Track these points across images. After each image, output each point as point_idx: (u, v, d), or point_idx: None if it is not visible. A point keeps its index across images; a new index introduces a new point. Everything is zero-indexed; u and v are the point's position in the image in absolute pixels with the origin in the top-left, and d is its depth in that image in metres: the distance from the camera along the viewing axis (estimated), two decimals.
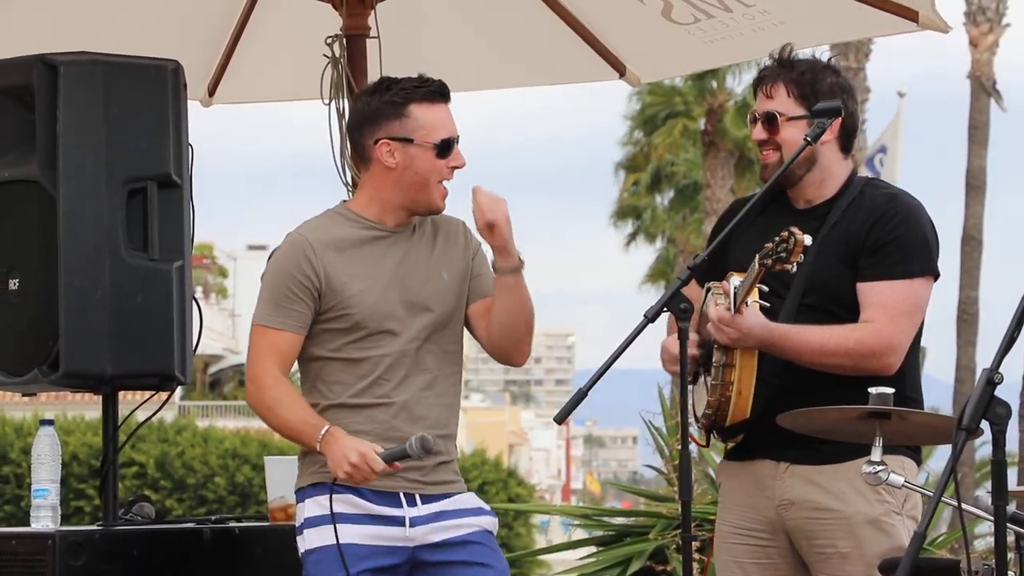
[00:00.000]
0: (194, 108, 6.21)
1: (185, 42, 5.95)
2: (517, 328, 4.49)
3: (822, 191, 4.59)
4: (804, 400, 4.32)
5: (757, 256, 4.29)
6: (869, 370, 4.40)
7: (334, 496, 4.39)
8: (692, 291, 4.51)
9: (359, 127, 4.52)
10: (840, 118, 4.55)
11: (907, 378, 4.51)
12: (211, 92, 6.33)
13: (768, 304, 4.43)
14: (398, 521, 4.42)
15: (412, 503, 4.44)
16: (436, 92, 4.48)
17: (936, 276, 4.56)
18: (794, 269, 4.28)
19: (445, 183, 4.50)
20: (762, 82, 4.63)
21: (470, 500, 4.54)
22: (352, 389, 4.46)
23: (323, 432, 4.36)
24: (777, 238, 4.23)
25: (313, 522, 4.42)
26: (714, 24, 5.68)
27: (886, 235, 4.49)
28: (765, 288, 4.40)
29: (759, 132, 4.60)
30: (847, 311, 4.49)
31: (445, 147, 4.47)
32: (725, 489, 4.70)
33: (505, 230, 4.40)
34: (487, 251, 4.54)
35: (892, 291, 4.46)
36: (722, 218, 4.71)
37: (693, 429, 4.60)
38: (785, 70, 4.59)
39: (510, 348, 4.53)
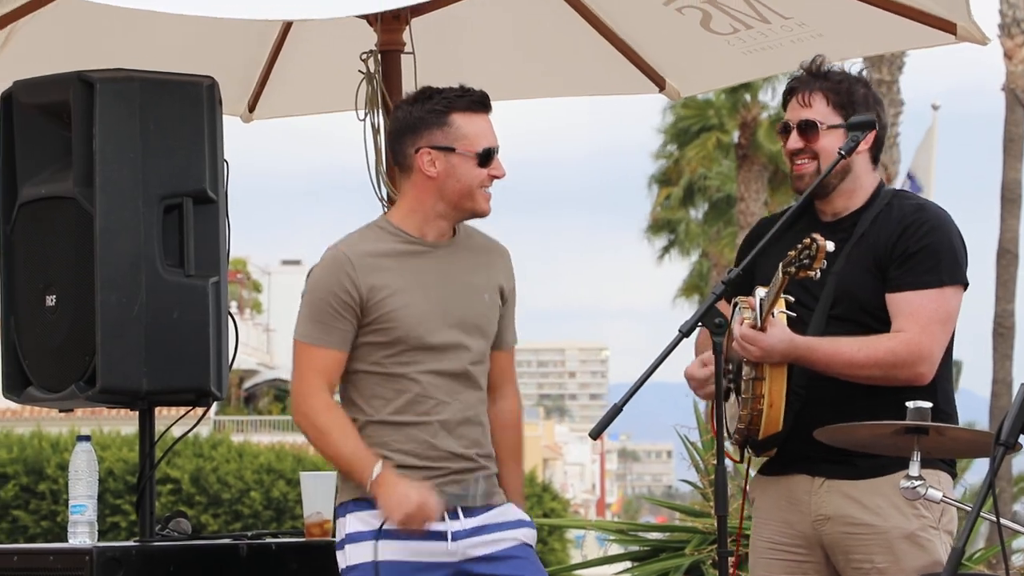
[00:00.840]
0: (233, 124, 6.28)
1: (225, 59, 5.98)
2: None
3: (851, 202, 4.59)
4: (836, 410, 4.31)
5: (780, 265, 4.29)
6: (900, 380, 4.39)
7: (375, 512, 4.38)
8: (722, 308, 4.51)
9: (400, 136, 4.51)
10: (875, 131, 4.55)
11: (939, 391, 4.49)
12: (251, 108, 6.36)
13: (794, 314, 4.41)
14: (440, 536, 4.41)
15: (455, 516, 4.43)
16: (478, 102, 4.49)
17: (966, 285, 4.55)
18: (817, 275, 4.27)
19: (490, 188, 4.51)
20: (795, 91, 4.61)
21: (511, 512, 4.53)
22: (392, 405, 4.44)
23: (376, 473, 4.34)
24: (799, 245, 4.23)
25: (355, 538, 4.41)
26: (753, 35, 5.68)
27: (915, 245, 4.48)
28: (791, 298, 4.39)
29: (795, 141, 4.58)
30: (876, 321, 4.48)
31: (487, 156, 4.47)
32: (760, 504, 4.68)
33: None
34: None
35: (922, 301, 4.45)
36: (750, 236, 4.71)
37: (727, 445, 4.59)
38: (819, 80, 4.58)
39: None
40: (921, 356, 4.44)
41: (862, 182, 4.59)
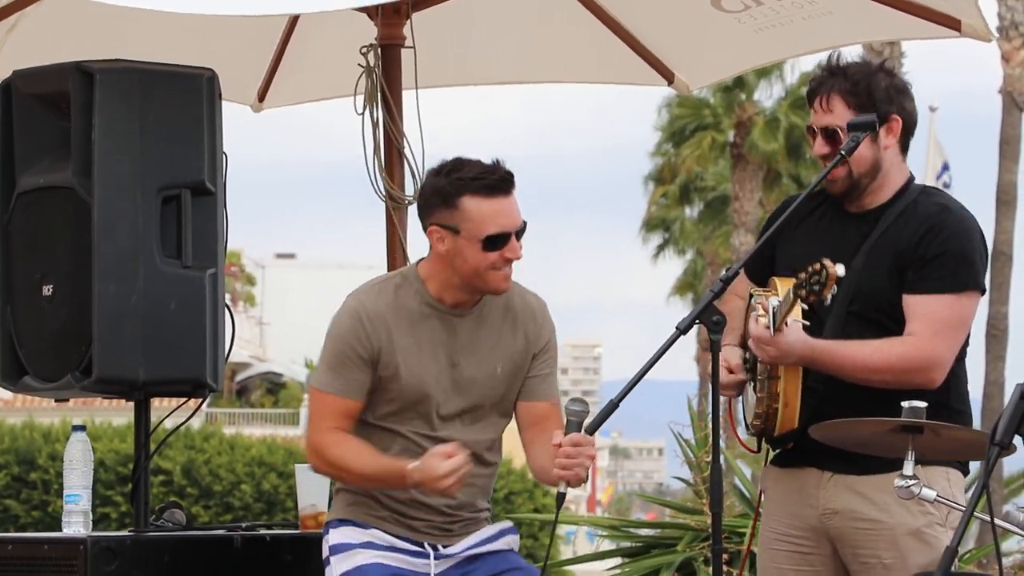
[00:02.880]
0: (242, 111, 6.29)
1: (235, 49, 5.98)
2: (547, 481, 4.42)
3: (878, 196, 4.53)
4: (848, 410, 4.30)
5: (791, 287, 4.25)
6: (913, 384, 4.37)
7: (361, 530, 4.41)
8: (740, 286, 4.53)
9: (421, 205, 4.44)
10: (900, 121, 4.48)
11: (952, 390, 4.49)
12: (261, 98, 6.35)
13: (808, 323, 4.38)
14: (422, 555, 4.43)
15: (436, 550, 4.44)
16: (492, 185, 4.32)
17: (983, 292, 4.52)
18: (828, 301, 4.22)
19: (507, 268, 4.36)
20: (816, 94, 4.54)
21: (490, 530, 4.52)
22: (388, 449, 4.40)
23: (411, 467, 4.30)
24: (810, 269, 4.18)
25: (339, 549, 4.44)
26: (764, 11, 5.63)
27: (936, 248, 4.44)
28: (806, 307, 4.33)
29: (821, 147, 4.52)
30: (892, 321, 4.46)
31: (493, 242, 4.32)
32: (770, 496, 4.68)
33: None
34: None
35: (938, 305, 4.42)
36: (774, 214, 4.65)
37: (744, 435, 4.60)
38: (838, 79, 4.51)
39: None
40: (933, 362, 4.42)
41: (892, 177, 4.54)
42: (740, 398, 4.61)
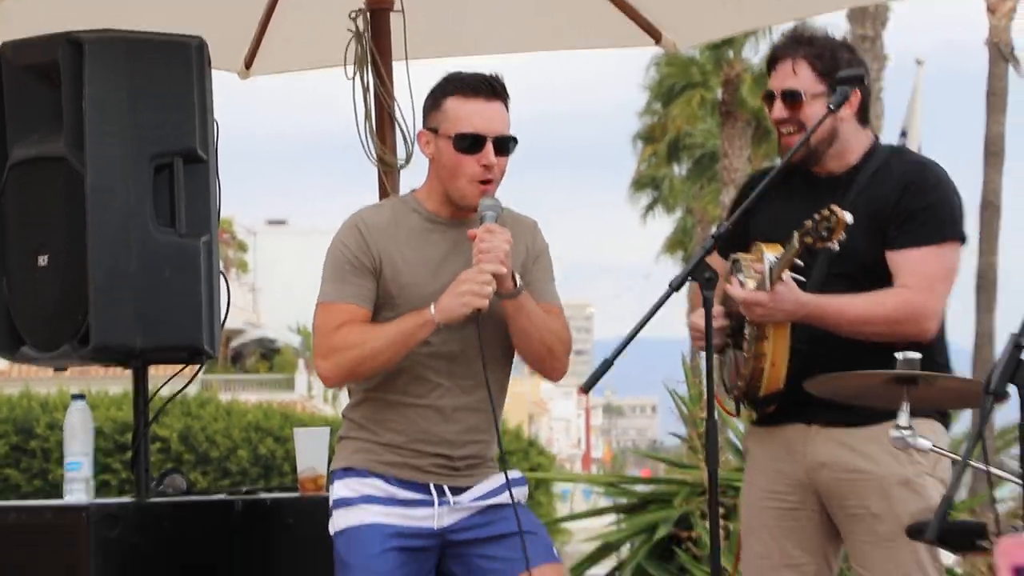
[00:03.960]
0: (231, 80, 6.27)
1: (221, 15, 5.95)
2: (533, 351, 4.36)
3: (844, 161, 4.58)
4: (832, 368, 4.32)
5: (796, 234, 4.23)
6: (906, 336, 4.39)
7: (362, 480, 4.38)
8: (715, 261, 4.51)
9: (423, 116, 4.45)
10: (858, 91, 4.54)
11: (936, 343, 4.52)
12: (248, 65, 6.32)
13: (804, 279, 4.39)
14: (426, 503, 4.38)
15: (442, 494, 4.39)
16: (474, 87, 4.32)
17: (964, 240, 4.57)
18: (836, 247, 4.22)
19: (483, 180, 4.31)
20: (779, 59, 4.57)
21: (498, 480, 4.46)
22: (392, 384, 4.37)
23: (432, 310, 4.24)
24: (818, 216, 4.18)
25: (341, 504, 4.41)
26: None
27: (917, 203, 4.48)
28: (800, 262, 4.35)
29: (780, 111, 4.54)
30: (872, 278, 4.48)
31: (463, 141, 4.31)
32: (754, 454, 4.70)
33: (501, 268, 4.24)
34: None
35: (925, 257, 4.46)
36: (743, 189, 4.70)
37: (724, 398, 4.61)
38: (803, 46, 4.54)
39: (537, 368, 4.42)
40: (926, 312, 4.45)
41: (851, 143, 4.58)
42: (719, 361, 4.61)
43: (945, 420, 4.58)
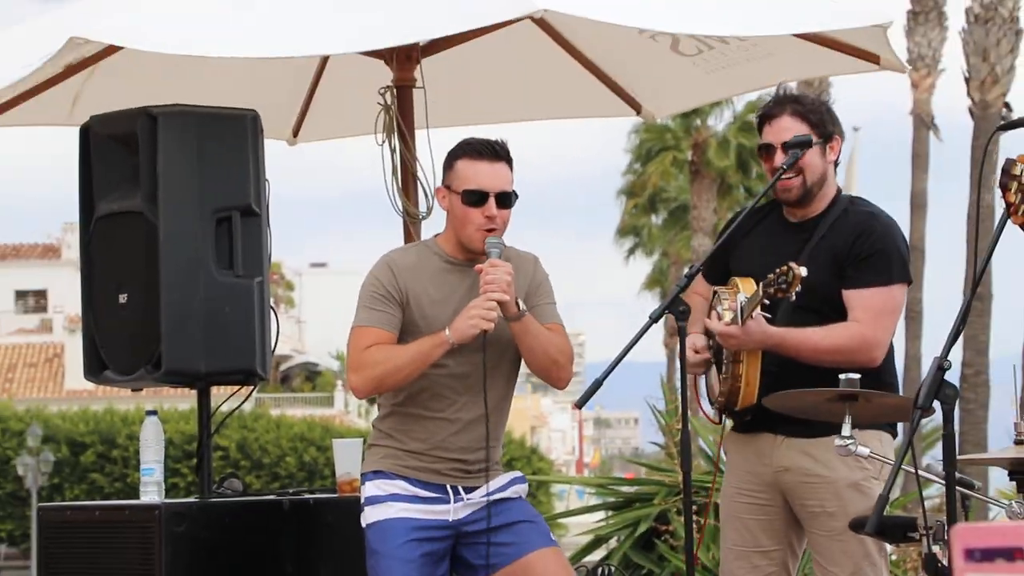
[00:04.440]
0: (280, 147, 6.30)
1: (273, 93, 5.98)
2: (540, 363, 4.35)
3: (817, 206, 4.55)
4: (800, 387, 4.31)
5: (761, 284, 4.26)
6: (858, 363, 4.37)
7: (389, 481, 4.38)
8: (700, 286, 4.56)
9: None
10: (841, 141, 4.54)
11: (884, 366, 4.51)
12: (295, 134, 6.36)
13: (770, 316, 4.39)
14: (443, 500, 4.39)
15: (457, 493, 4.40)
16: (479, 150, 4.36)
17: (909, 282, 4.56)
18: (793, 298, 4.22)
19: (487, 229, 4.32)
20: (774, 116, 4.52)
21: (504, 478, 4.48)
22: (416, 400, 4.38)
23: (447, 333, 4.25)
24: (778, 271, 4.19)
25: (371, 501, 4.42)
26: (715, 55, 5.63)
27: (868, 248, 4.46)
28: (767, 301, 4.33)
29: (781, 159, 4.48)
30: (834, 311, 4.47)
31: (470, 196, 4.32)
32: (731, 458, 4.70)
33: (504, 296, 4.26)
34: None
35: (874, 296, 4.44)
36: (728, 223, 4.65)
37: (709, 409, 4.62)
38: (792, 103, 4.53)
39: (544, 377, 4.41)
40: (875, 343, 4.44)
41: (830, 188, 4.57)
42: (704, 377, 4.63)
43: (893, 430, 4.56)
